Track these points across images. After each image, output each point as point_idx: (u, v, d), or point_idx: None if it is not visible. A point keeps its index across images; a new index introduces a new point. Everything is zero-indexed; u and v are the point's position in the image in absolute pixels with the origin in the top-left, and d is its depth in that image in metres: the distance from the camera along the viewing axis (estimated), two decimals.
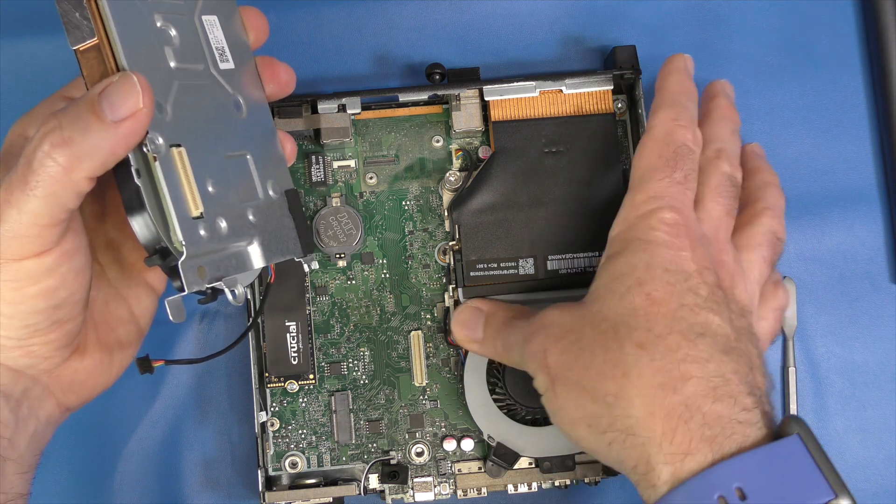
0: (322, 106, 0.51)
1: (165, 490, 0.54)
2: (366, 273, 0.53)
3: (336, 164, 0.53)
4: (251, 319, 0.49)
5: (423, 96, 0.52)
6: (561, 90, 0.51)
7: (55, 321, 0.41)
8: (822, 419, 0.54)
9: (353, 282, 0.53)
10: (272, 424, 0.52)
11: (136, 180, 0.38)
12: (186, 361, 0.51)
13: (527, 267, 0.50)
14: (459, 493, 0.52)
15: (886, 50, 0.55)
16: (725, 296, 0.42)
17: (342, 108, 0.52)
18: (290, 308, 0.51)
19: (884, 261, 0.55)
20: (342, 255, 0.52)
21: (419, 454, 0.52)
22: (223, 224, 0.42)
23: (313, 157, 0.53)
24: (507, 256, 0.50)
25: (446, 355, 0.52)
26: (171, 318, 0.39)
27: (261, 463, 0.51)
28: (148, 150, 0.38)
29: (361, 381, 0.52)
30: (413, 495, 0.51)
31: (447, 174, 0.52)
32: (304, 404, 0.52)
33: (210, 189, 0.41)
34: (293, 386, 0.52)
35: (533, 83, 0.51)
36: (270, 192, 0.45)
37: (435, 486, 0.52)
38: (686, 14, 0.56)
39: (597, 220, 0.50)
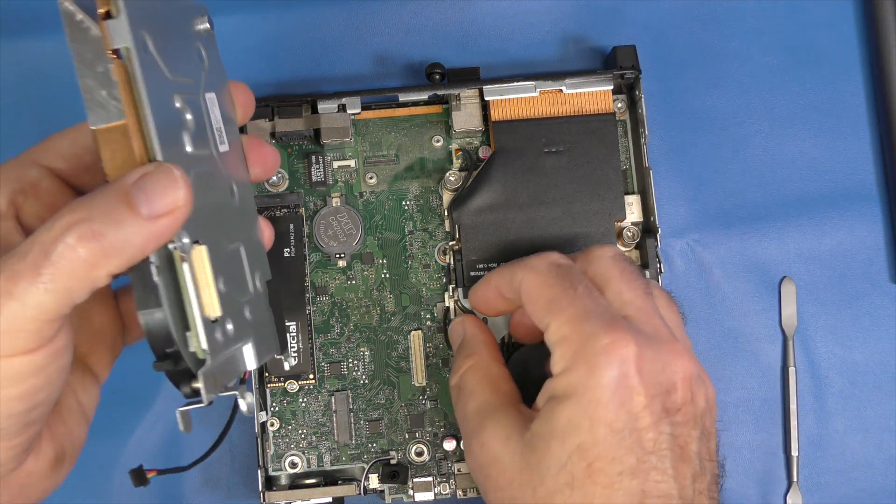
0: (322, 106, 0.51)
1: (165, 490, 0.54)
2: (366, 273, 0.53)
3: (336, 164, 0.53)
4: (226, 425, 0.44)
5: (423, 96, 0.52)
6: (561, 90, 0.51)
7: (26, 424, 0.36)
8: (822, 419, 0.54)
9: (353, 282, 0.53)
10: (272, 424, 0.52)
11: (156, 278, 0.35)
12: (176, 470, 0.44)
13: None
14: (459, 492, 0.52)
15: (886, 50, 0.55)
16: (682, 446, 0.39)
17: (342, 108, 0.52)
18: (290, 308, 0.51)
19: (884, 261, 0.55)
20: (342, 255, 0.52)
21: (419, 454, 0.52)
22: (230, 326, 0.38)
23: (313, 157, 0.53)
24: (506, 256, 0.50)
25: (446, 355, 0.52)
26: (181, 428, 0.37)
27: (261, 463, 0.51)
28: (175, 248, 0.35)
29: (361, 381, 0.52)
30: (413, 495, 0.51)
31: (447, 174, 0.52)
32: (304, 404, 0.52)
33: (222, 288, 0.38)
34: (293, 386, 0.52)
35: (533, 83, 0.51)
36: (258, 285, 0.42)
37: (435, 486, 0.52)
38: (686, 14, 0.56)
39: (596, 220, 0.51)
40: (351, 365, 0.52)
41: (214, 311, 0.36)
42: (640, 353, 0.38)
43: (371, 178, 0.53)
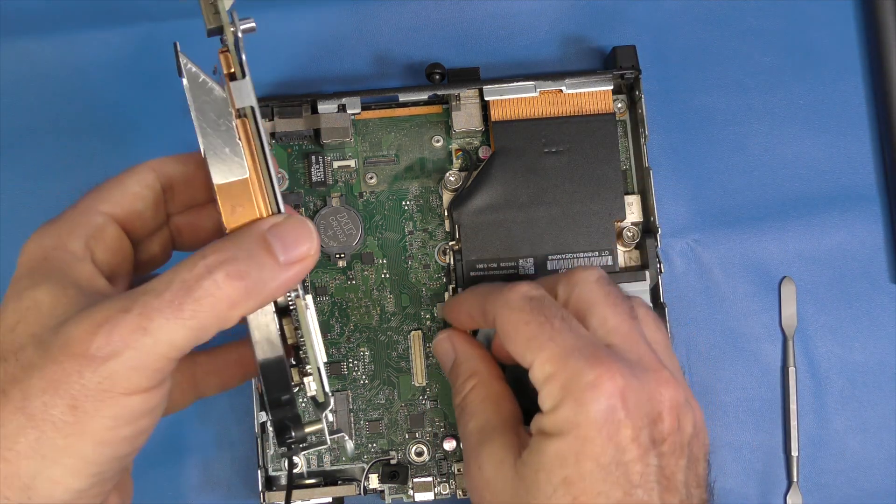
0: (322, 106, 0.51)
1: (165, 490, 0.54)
2: (366, 273, 0.53)
3: (336, 164, 0.53)
4: (288, 482, 0.48)
5: (423, 96, 0.52)
6: (561, 90, 0.51)
7: (119, 470, 0.36)
8: (822, 419, 0.54)
9: (353, 282, 0.53)
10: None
11: (273, 325, 0.37)
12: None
13: (527, 267, 0.50)
14: (459, 492, 0.52)
15: (886, 50, 0.55)
16: (669, 476, 0.39)
17: (342, 108, 0.52)
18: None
19: (884, 261, 0.55)
20: (342, 255, 0.52)
21: (419, 454, 0.52)
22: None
23: (313, 157, 0.53)
24: (506, 256, 0.50)
25: None
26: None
27: (261, 463, 0.51)
28: (299, 297, 0.38)
29: (361, 381, 0.52)
30: (413, 495, 0.51)
31: (447, 174, 0.52)
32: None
33: None
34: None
35: (533, 83, 0.51)
36: None
37: (435, 486, 0.52)
38: (686, 14, 0.56)
39: (597, 220, 0.51)
40: (351, 365, 0.52)
41: (324, 356, 0.39)
42: (626, 384, 0.38)
43: (371, 178, 0.53)
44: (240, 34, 0.37)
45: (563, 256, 0.50)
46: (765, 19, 0.56)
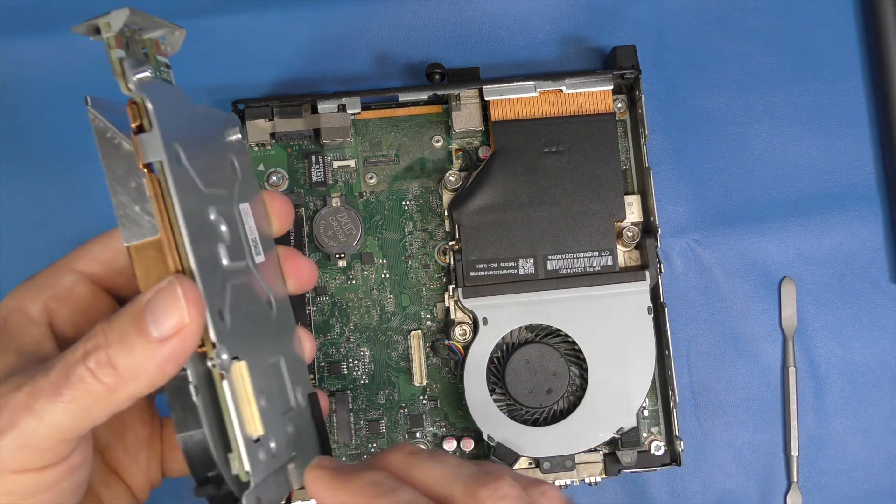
0: (322, 106, 0.51)
1: (166, 489, 0.53)
2: (366, 273, 0.53)
3: (336, 164, 0.53)
4: None
5: (423, 96, 0.52)
6: (561, 90, 0.51)
7: None
8: (822, 419, 0.54)
9: (353, 282, 0.53)
10: None
11: (195, 398, 0.34)
12: None
13: (527, 267, 0.50)
14: None
15: (886, 50, 0.55)
16: None
17: (342, 108, 0.52)
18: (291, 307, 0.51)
19: (884, 261, 0.55)
20: (342, 255, 0.52)
21: None
22: (273, 444, 0.36)
23: (313, 157, 0.53)
24: (506, 256, 0.50)
25: (446, 355, 0.52)
26: None
27: None
28: (215, 366, 0.33)
29: (361, 381, 0.52)
30: None
31: (447, 174, 0.52)
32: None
33: (263, 404, 0.36)
34: None
35: (533, 83, 0.51)
36: (299, 399, 0.40)
37: None
38: (686, 14, 0.56)
39: (597, 219, 0.51)
40: (351, 365, 0.52)
41: (257, 429, 0.34)
42: None
43: (371, 178, 0.53)
44: (132, 86, 0.33)
45: (563, 256, 0.50)
46: (765, 19, 0.56)
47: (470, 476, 0.35)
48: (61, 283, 0.38)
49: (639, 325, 0.50)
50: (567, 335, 0.50)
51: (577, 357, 0.50)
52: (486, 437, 0.50)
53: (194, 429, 0.34)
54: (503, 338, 0.50)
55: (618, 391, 0.50)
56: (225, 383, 0.34)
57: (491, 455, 0.50)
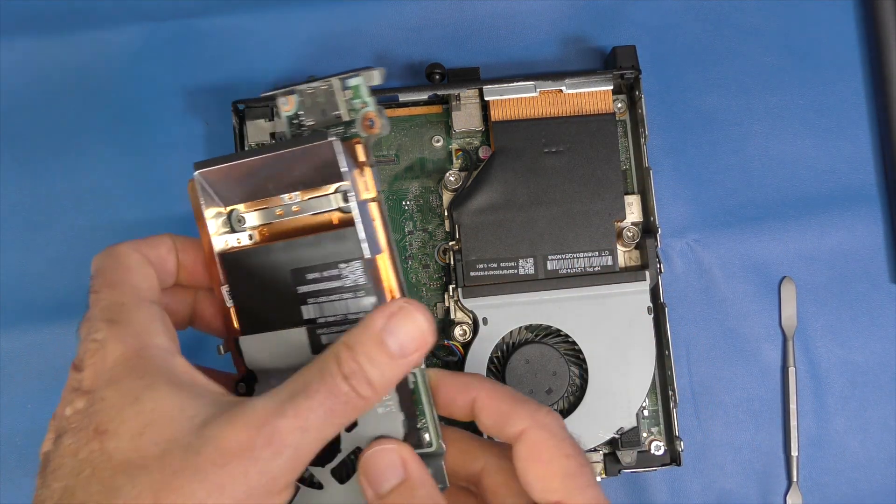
0: None
1: None
2: None
3: None
4: None
5: (423, 96, 0.52)
6: (561, 90, 0.51)
7: None
8: (822, 419, 0.54)
9: None
10: None
11: (421, 389, 0.39)
12: None
13: (527, 267, 0.50)
14: None
15: (886, 50, 0.55)
16: None
17: None
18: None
19: (884, 261, 0.55)
20: None
21: None
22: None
23: None
24: (506, 256, 0.50)
25: (445, 356, 0.52)
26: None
27: None
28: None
29: None
30: None
31: (447, 174, 0.52)
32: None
33: None
34: None
35: (533, 83, 0.51)
36: None
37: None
38: (686, 14, 0.56)
39: (597, 220, 0.51)
40: None
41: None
42: None
43: None
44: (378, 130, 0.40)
45: (563, 256, 0.50)
46: (765, 19, 0.56)
47: None
48: (156, 313, 0.38)
49: (639, 325, 0.50)
50: (567, 335, 0.50)
51: (577, 357, 0.50)
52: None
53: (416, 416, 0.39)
54: (503, 338, 0.50)
55: (618, 391, 0.50)
56: (424, 374, 0.39)
57: None
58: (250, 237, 0.42)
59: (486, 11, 0.56)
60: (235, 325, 0.41)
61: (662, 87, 0.56)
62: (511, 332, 0.50)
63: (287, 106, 0.42)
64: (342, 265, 0.41)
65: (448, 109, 0.53)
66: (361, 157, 0.40)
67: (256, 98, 0.52)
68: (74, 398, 0.35)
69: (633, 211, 0.52)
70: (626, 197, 0.51)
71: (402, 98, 0.52)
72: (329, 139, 0.40)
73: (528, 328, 0.51)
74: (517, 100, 0.51)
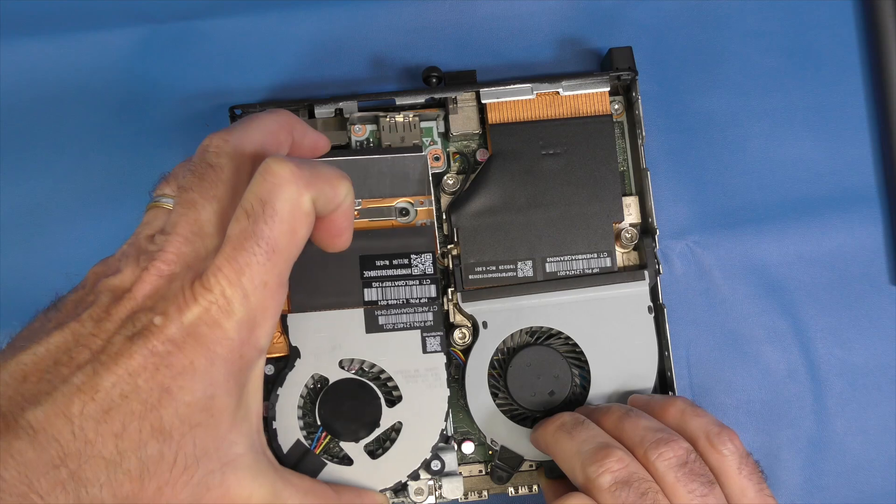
0: (319, 110, 0.51)
1: None
2: None
3: None
4: None
5: (420, 99, 0.52)
6: (558, 92, 0.51)
7: None
8: (822, 421, 0.54)
9: None
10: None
11: None
12: None
13: (525, 269, 0.50)
14: (461, 496, 0.51)
15: (886, 51, 0.55)
16: None
17: (339, 112, 0.52)
18: None
19: (884, 262, 0.55)
20: None
21: None
22: None
23: None
24: (505, 259, 0.50)
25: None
26: None
27: None
28: None
29: None
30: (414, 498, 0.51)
31: (445, 177, 0.52)
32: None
33: None
34: None
35: (529, 85, 0.51)
36: None
37: (436, 489, 0.51)
38: (684, 15, 0.56)
39: (595, 221, 0.50)
40: None
41: None
42: None
43: None
44: None
45: (562, 258, 0.50)
46: (764, 21, 0.56)
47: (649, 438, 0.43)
48: None
49: (640, 325, 0.50)
50: (568, 337, 0.50)
51: (578, 359, 0.50)
52: (489, 441, 0.50)
53: None
54: (503, 341, 0.50)
55: (621, 391, 0.50)
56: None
57: (495, 459, 0.50)
58: None
59: (482, 14, 0.56)
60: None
61: (662, 88, 0.56)
62: (511, 335, 0.50)
63: (360, 133, 0.51)
64: (414, 256, 0.48)
65: (445, 112, 0.53)
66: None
67: (253, 103, 0.52)
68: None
69: (631, 212, 0.52)
70: (624, 198, 0.51)
71: (399, 101, 0.52)
72: (423, 153, 0.49)
73: (529, 331, 0.51)
74: (514, 102, 0.51)
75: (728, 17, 0.56)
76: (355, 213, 0.47)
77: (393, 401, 0.48)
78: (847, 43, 0.56)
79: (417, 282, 0.48)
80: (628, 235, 0.51)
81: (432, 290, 0.48)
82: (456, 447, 0.51)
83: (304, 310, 0.47)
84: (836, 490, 0.53)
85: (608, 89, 0.52)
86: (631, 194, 0.52)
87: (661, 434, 0.43)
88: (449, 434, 0.49)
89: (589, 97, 0.52)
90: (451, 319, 0.51)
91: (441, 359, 0.48)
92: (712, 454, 0.44)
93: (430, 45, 0.56)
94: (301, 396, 0.47)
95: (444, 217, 0.52)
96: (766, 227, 0.55)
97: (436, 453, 0.48)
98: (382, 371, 0.48)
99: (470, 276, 0.50)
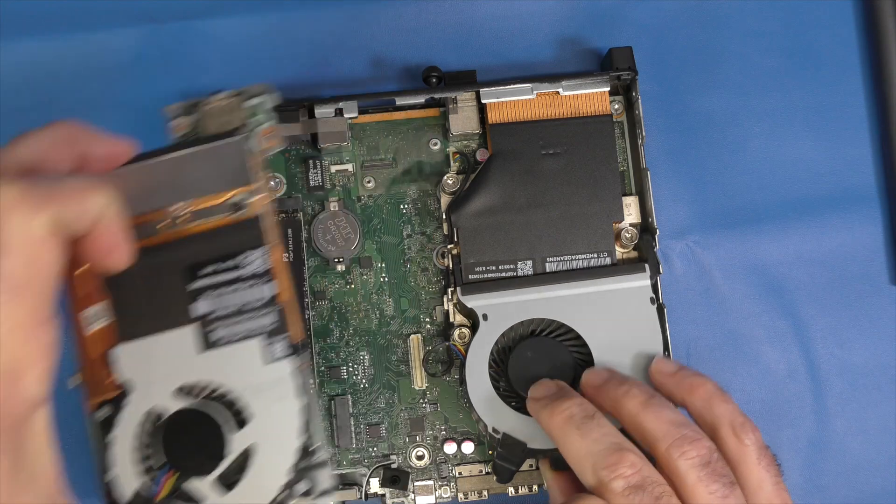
0: (319, 110, 0.51)
1: None
2: (364, 277, 0.53)
3: (333, 169, 0.53)
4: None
5: (420, 100, 0.52)
6: (558, 92, 0.51)
7: None
8: (822, 421, 0.54)
9: (352, 286, 0.53)
10: None
11: None
12: None
13: (525, 269, 0.50)
14: (460, 496, 0.51)
15: (886, 51, 0.55)
16: None
17: (339, 112, 0.52)
18: None
19: (883, 262, 0.55)
20: (340, 260, 0.52)
21: (420, 457, 0.52)
22: None
23: (310, 161, 0.53)
24: (505, 259, 0.50)
25: (445, 358, 0.52)
26: None
27: None
28: None
29: (361, 385, 0.52)
30: (414, 499, 0.51)
31: (445, 177, 0.52)
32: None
33: None
34: None
35: (530, 85, 0.51)
36: None
37: (436, 490, 0.52)
38: (684, 15, 0.56)
39: (595, 221, 0.50)
40: (350, 369, 0.52)
41: None
42: None
43: (369, 181, 0.53)
44: None
45: (562, 258, 0.50)
46: (764, 21, 0.56)
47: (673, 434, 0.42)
48: None
49: (643, 315, 0.49)
50: (570, 329, 0.50)
51: (580, 351, 0.50)
52: (490, 430, 0.49)
53: None
54: (504, 333, 0.50)
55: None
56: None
57: (497, 447, 0.49)
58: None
59: (482, 14, 0.56)
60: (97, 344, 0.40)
61: (662, 88, 0.56)
62: (512, 327, 0.50)
63: (182, 126, 0.44)
64: (242, 255, 0.41)
65: (445, 112, 0.53)
66: (259, 164, 0.41)
67: None
68: None
69: (631, 212, 0.52)
70: (623, 198, 0.51)
71: (399, 102, 0.52)
72: (237, 136, 0.41)
73: (530, 322, 0.50)
74: (514, 102, 0.51)
75: (728, 17, 0.56)
76: (176, 220, 0.41)
77: (243, 422, 0.42)
78: (847, 43, 0.56)
79: (250, 284, 0.42)
80: (628, 235, 0.51)
81: (268, 290, 0.41)
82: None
83: (128, 339, 0.41)
84: (836, 490, 0.53)
85: (608, 89, 0.52)
86: (631, 194, 0.52)
87: (684, 430, 0.42)
88: (314, 447, 0.42)
89: (589, 97, 0.52)
90: (451, 319, 0.51)
91: (287, 366, 0.41)
92: (735, 443, 0.43)
93: (430, 45, 0.56)
94: (138, 438, 0.41)
95: (444, 217, 0.52)
96: (766, 227, 0.55)
97: (302, 473, 0.41)
98: (228, 391, 0.42)
99: (470, 276, 0.50)
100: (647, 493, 0.41)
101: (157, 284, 0.41)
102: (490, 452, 0.51)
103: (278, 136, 0.42)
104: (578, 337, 0.49)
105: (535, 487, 0.51)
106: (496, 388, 0.50)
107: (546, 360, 0.49)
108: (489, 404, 0.49)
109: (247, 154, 0.42)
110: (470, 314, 0.50)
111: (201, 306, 0.41)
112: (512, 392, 0.50)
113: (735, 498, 0.41)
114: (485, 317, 0.50)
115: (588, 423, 0.44)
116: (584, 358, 0.50)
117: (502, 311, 0.50)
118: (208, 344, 0.41)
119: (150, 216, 0.41)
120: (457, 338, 0.51)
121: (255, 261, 0.41)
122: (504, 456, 0.48)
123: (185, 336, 0.41)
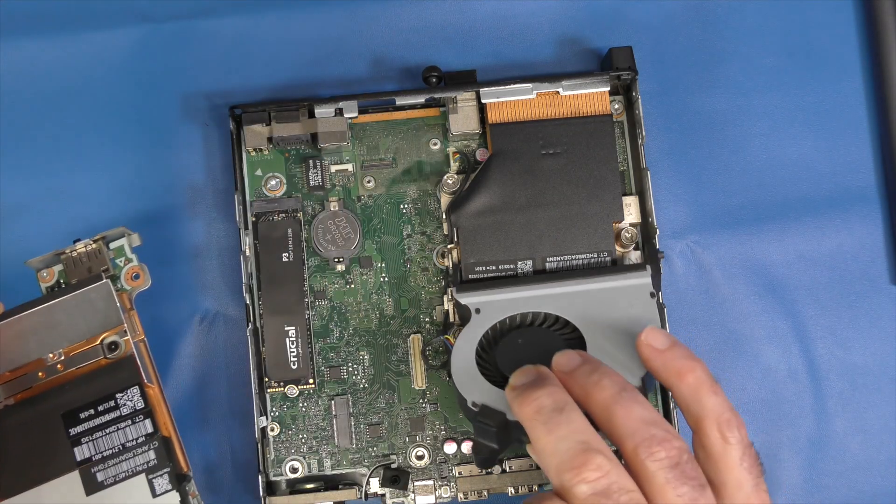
0: (319, 110, 0.51)
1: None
2: (364, 277, 0.53)
3: (333, 168, 0.53)
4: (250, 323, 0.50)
5: (420, 99, 0.52)
6: (558, 92, 0.51)
7: None
8: (822, 421, 0.54)
9: (352, 286, 0.53)
10: (272, 429, 0.52)
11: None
12: None
13: (525, 269, 0.50)
14: (460, 495, 0.51)
15: (886, 51, 0.55)
16: None
17: (339, 112, 0.52)
18: (289, 312, 0.51)
19: (883, 262, 0.55)
20: (340, 260, 0.52)
21: (420, 457, 0.52)
22: None
23: (310, 161, 0.53)
24: (505, 258, 0.50)
25: (444, 358, 0.52)
26: None
27: (261, 468, 0.51)
28: None
29: (361, 385, 0.52)
30: (414, 499, 0.51)
31: (445, 177, 0.52)
32: (303, 409, 0.52)
33: None
34: (293, 391, 0.52)
35: (530, 85, 0.51)
36: None
37: (436, 490, 0.52)
38: (684, 15, 0.56)
39: (595, 221, 0.50)
40: (350, 369, 0.52)
41: None
42: None
43: (369, 181, 0.53)
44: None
45: (562, 258, 0.50)
46: (764, 20, 0.56)
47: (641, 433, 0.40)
48: None
49: (643, 309, 0.49)
50: (567, 321, 0.49)
51: (574, 344, 0.48)
52: (469, 404, 0.47)
53: None
54: (495, 325, 0.49)
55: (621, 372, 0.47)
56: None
57: (476, 419, 0.47)
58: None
59: (482, 14, 0.56)
60: None
61: (662, 88, 0.56)
62: (505, 319, 0.49)
63: (48, 277, 0.47)
64: (119, 395, 0.44)
65: (445, 112, 0.53)
66: (128, 304, 0.45)
67: (253, 103, 0.52)
68: None
69: (631, 212, 0.52)
70: (623, 198, 0.51)
71: (399, 101, 0.52)
72: (103, 280, 0.44)
73: (524, 315, 0.49)
74: (514, 102, 0.51)
75: (728, 16, 0.56)
76: (53, 368, 0.44)
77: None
78: (847, 43, 0.56)
79: (129, 421, 0.44)
80: (628, 235, 0.51)
81: (147, 426, 0.44)
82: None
83: (13, 494, 0.42)
84: (836, 490, 0.53)
85: (608, 89, 0.52)
86: (631, 194, 0.52)
87: (654, 430, 0.40)
88: None
89: (589, 97, 0.52)
90: (451, 319, 0.51)
91: (175, 498, 0.43)
92: (718, 440, 0.41)
93: (430, 45, 0.56)
94: None
95: (444, 217, 0.52)
96: (766, 227, 0.55)
97: None
98: None
99: (470, 276, 0.50)
100: (613, 501, 0.39)
101: (38, 434, 0.43)
102: (472, 444, 0.50)
103: (144, 274, 0.46)
104: (575, 330, 0.48)
105: (534, 488, 0.51)
106: (482, 372, 0.48)
107: (536, 348, 0.48)
108: (470, 380, 0.47)
109: (113, 296, 0.45)
110: (465, 312, 0.50)
111: (85, 450, 0.43)
112: (497, 374, 0.48)
113: (705, 500, 0.40)
114: (477, 311, 0.49)
115: (556, 418, 0.41)
116: (579, 347, 0.49)
117: (496, 305, 0.49)
118: (95, 486, 0.43)
119: (28, 367, 0.43)
120: (452, 336, 0.51)
121: (132, 398, 0.44)
122: (482, 429, 0.46)
123: (72, 482, 0.43)
